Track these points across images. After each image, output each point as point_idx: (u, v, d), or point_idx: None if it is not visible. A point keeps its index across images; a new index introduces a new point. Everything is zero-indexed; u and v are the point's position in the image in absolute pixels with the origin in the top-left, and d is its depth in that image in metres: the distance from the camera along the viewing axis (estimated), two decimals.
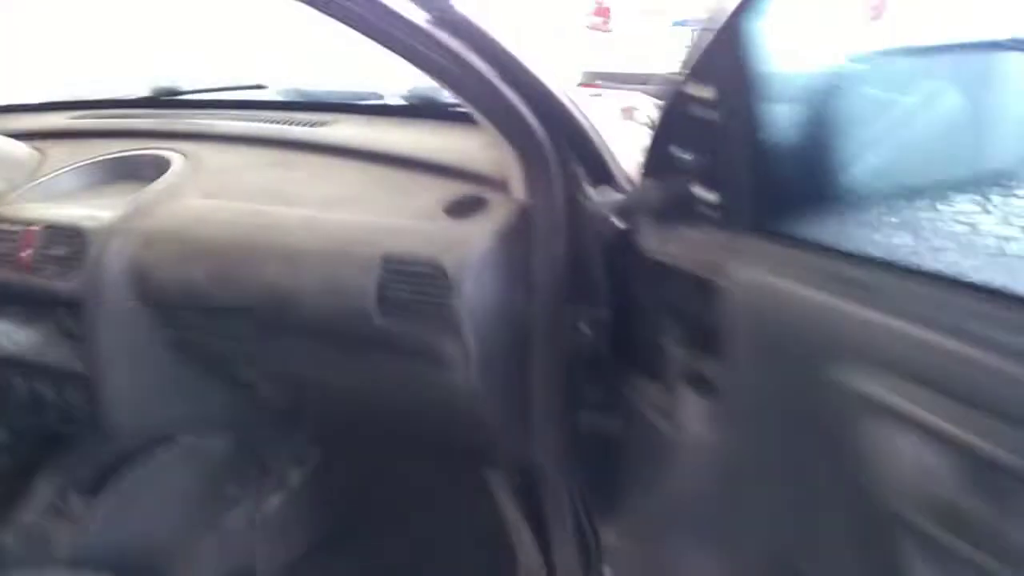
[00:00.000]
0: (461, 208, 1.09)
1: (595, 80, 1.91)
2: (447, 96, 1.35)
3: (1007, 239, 0.64)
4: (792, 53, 0.76)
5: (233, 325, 1.21)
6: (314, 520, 1.63)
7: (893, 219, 0.71)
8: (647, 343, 0.97)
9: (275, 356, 1.24)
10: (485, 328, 1.03)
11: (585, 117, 1.00)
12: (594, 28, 5.00)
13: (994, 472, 0.52)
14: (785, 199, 0.75)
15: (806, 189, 0.75)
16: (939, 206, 0.71)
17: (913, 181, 0.74)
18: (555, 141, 0.99)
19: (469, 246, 1.02)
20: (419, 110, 1.40)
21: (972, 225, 0.67)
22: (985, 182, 0.74)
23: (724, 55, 0.76)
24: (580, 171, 1.02)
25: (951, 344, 0.56)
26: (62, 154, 1.46)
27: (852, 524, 0.66)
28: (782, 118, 0.74)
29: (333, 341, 1.12)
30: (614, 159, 1.01)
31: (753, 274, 0.75)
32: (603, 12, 5.04)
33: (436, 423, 1.21)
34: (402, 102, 1.48)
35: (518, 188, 1.07)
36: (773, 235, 0.75)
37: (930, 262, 0.63)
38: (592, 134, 1.00)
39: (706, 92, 0.79)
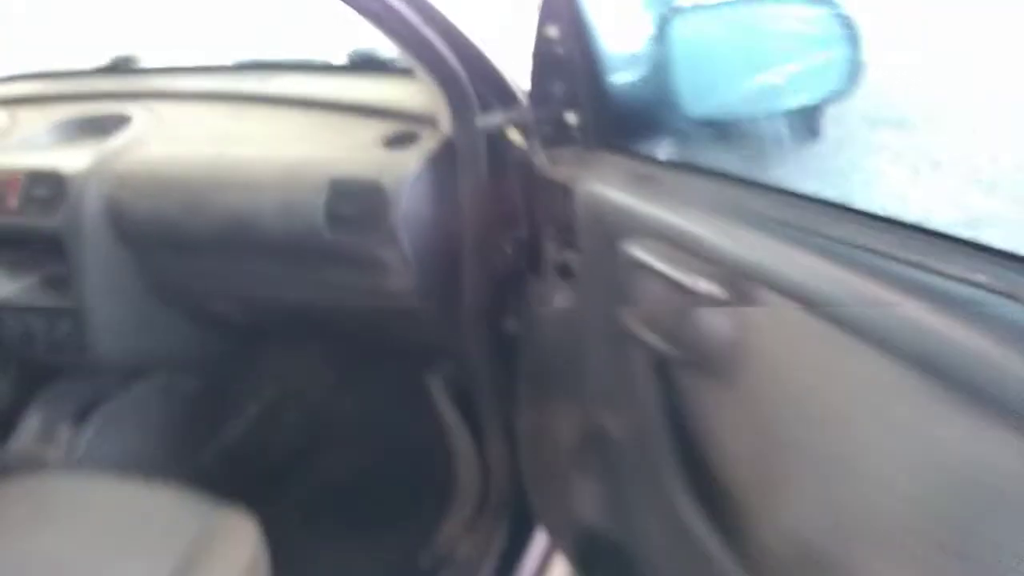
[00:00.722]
0: (396, 141, 1.28)
1: None
2: (384, 55, 1.55)
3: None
4: None
5: (202, 257, 1.39)
6: (273, 444, 1.81)
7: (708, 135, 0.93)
8: (542, 251, 1.16)
9: (239, 281, 1.41)
10: (419, 238, 1.22)
11: (490, 53, 1.20)
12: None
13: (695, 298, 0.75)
14: (625, 121, 0.95)
15: (641, 113, 0.96)
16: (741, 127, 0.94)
17: (727, 108, 0.96)
18: (471, 77, 1.18)
19: (403, 169, 1.21)
20: (358, 66, 1.58)
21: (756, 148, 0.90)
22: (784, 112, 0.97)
23: None
24: (495, 103, 1.22)
25: (685, 213, 0.79)
26: (31, 116, 1.61)
27: (632, 363, 0.88)
28: (617, 52, 0.94)
29: (291, 259, 1.30)
30: (519, 89, 1.21)
31: (590, 179, 0.96)
32: None
33: (380, 328, 1.40)
34: (343, 62, 1.65)
35: (445, 124, 1.26)
36: (616, 149, 0.95)
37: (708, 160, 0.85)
38: (499, 68, 1.19)
39: (553, 31, 0.98)
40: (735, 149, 0.96)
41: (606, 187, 0.93)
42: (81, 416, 1.56)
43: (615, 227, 0.88)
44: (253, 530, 1.10)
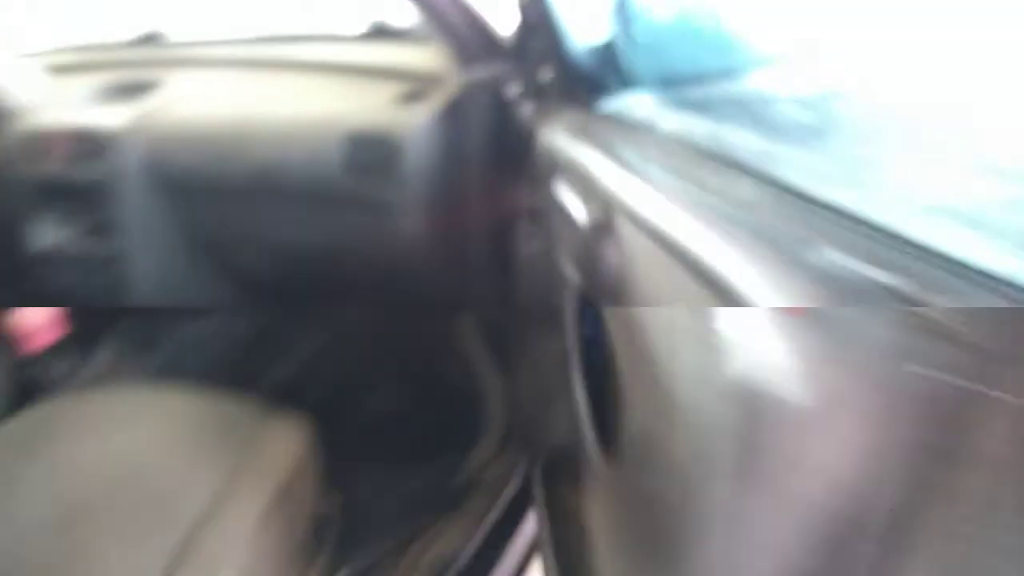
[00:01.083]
0: (407, 98, 1.40)
1: None
2: (396, 25, 1.67)
3: None
4: None
5: (232, 206, 1.52)
6: (319, 383, 1.93)
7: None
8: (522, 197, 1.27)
9: (266, 228, 1.54)
10: (428, 184, 1.34)
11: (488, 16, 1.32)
12: None
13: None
14: (586, 79, 1.04)
15: (603, 72, 1.04)
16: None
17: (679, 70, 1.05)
18: (472, 36, 1.30)
19: (414, 122, 1.34)
20: (374, 35, 1.71)
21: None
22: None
23: None
24: (492, 60, 1.34)
25: (586, 154, 0.90)
26: (74, 82, 1.75)
27: (564, 294, 0.99)
28: (582, 18, 1.04)
29: (313, 204, 1.43)
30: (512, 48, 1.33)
31: (547, 129, 1.07)
32: None
33: (399, 271, 1.52)
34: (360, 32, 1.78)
35: (451, 83, 1.38)
36: (577, 103, 1.04)
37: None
38: (495, 29, 1.32)
39: None
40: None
41: (554, 136, 1.04)
42: (143, 350, 1.72)
43: (550, 170, 1.01)
44: (304, 431, 1.19)
